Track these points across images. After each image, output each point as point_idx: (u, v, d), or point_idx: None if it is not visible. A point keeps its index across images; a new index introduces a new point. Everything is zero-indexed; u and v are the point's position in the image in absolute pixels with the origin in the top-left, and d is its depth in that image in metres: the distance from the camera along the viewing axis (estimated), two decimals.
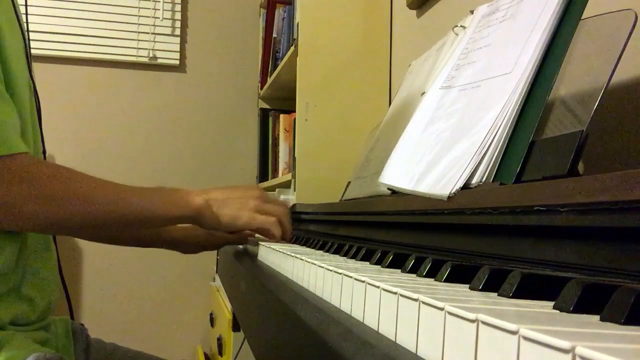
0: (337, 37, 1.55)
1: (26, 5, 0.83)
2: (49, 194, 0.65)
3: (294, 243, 0.87)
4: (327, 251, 0.69)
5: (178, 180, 2.38)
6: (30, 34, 0.83)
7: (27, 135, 0.72)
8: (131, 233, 0.79)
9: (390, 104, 1.45)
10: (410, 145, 0.76)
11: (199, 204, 0.77)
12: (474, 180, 0.57)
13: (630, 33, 0.51)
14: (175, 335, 2.35)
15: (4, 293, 0.69)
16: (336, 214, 0.97)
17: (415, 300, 0.29)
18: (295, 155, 1.53)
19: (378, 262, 0.52)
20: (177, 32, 2.41)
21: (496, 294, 0.33)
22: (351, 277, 0.39)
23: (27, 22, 0.81)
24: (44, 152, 0.81)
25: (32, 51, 0.84)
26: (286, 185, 1.74)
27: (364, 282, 0.36)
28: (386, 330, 0.32)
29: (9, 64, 0.68)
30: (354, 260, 0.57)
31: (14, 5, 0.75)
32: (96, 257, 2.28)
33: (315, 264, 0.48)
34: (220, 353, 1.82)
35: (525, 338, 0.21)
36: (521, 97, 0.58)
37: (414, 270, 0.45)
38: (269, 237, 0.83)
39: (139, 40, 2.35)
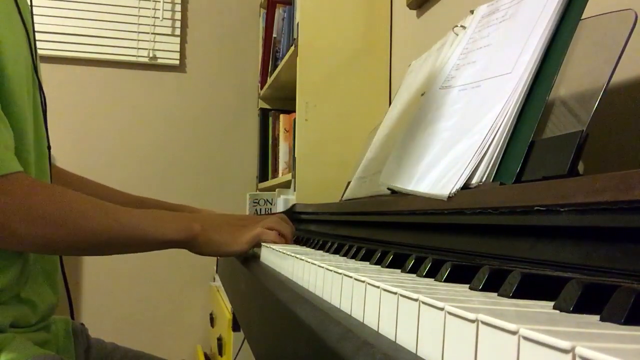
0: (337, 37, 1.55)
1: (31, 6, 0.83)
2: (43, 215, 0.65)
3: (294, 243, 0.87)
4: (327, 251, 0.69)
5: (178, 180, 2.38)
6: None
7: (25, 145, 0.71)
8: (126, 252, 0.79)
9: (390, 104, 1.45)
10: (410, 145, 0.76)
11: (194, 229, 0.77)
12: (474, 180, 0.57)
13: (630, 33, 0.51)
14: (175, 335, 2.35)
15: (5, 299, 0.69)
16: (336, 214, 0.97)
17: (415, 300, 0.29)
18: (295, 155, 1.53)
19: (378, 262, 0.52)
20: (177, 32, 2.41)
21: (496, 294, 0.33)
22: (351, 277, 0.39)
23: (33, 23, 0.81)
24: (49, 149, 0.81)
25: None
26: (286, 185, 1.74)
27: (364, 282, 0.36)
28: (386, 330, 0.32)
29: (8, 69, 0.68)
30: (354, 260, 0.57)
31: (17, 5, 0.74)
32: (96, 257, 2.28)
33: (315, 264, 0.48)
34: (220, 353, 1.82)
35: (525, 338, 0.21)
36: (521, 97, 0.58)
37: (414, 270, 0.45)
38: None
39: (139, 40, 2.35)
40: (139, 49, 2.35)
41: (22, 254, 0.71)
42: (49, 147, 0.81)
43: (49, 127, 0.82)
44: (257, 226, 0.82)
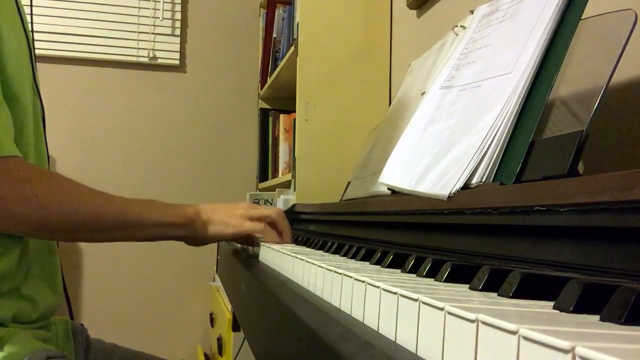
0: (337, 37, 1.55)
1: (31, 6, 0.83)
2: (37, 196, 0.66)
3: (294, 243, 0.87)
4: (327, 251, 0.69)
5: (178, 180, 2.38)
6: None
7: (25, 139, 0.72)
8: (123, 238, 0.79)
9: (390, 104, 1.45)
10: (410, 145, 0.76)
11: (190, 212, 0.78)
12: (474, 180, 0.57)
13: (630, 33, 0.51)
14: (175, 335, 2.35)
15: (5, 292, 0.69)
16: (336, 214, 0.97)
17: (415, 300, 0.29)
18: (295, 155, 1.53)
19: (378, 262, 0.52)
20: (177, 32, 2.41)
21: (496, 294, 0.33)
22: (351, 277, 0.39)
23: (32, 24, 0.81)
24: (48, 156, 0.81)
25: None
26: (286, 185, 1.74)
27: (364, 282, 0.36)
28: (386, 330, 0.32)
29: (9, 68, 0.68)
30: (354, 260, 0.57)
31: (18, 8, 0.75)
32: (96, 257, 2.28)
33: (315, 264, 0.48)
34: (220, 353, 1.82)
35: (525, 338, 0.21)
36: (521, 97, 0.58)
37: (414, 270, 0.45)
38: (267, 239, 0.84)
39: (139, 40, 2.35)
40: (139, 49, 2.35)
41: (20, 242, 0.71)
42: (47, 156, 0.81)
43: (48, 128, 0.82)
44: (258, 213, 0.82)
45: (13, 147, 0.66)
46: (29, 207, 0.65)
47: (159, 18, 2.37)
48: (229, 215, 0.81)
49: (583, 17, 0.58)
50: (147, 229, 0.75)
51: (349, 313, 0.39)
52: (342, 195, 1.15)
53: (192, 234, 0.79)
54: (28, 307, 0.72)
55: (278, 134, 2.05)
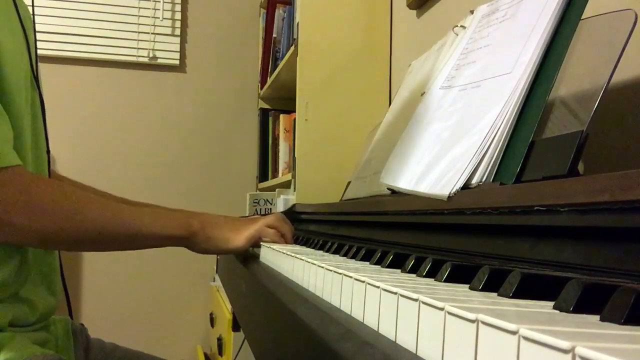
0: (337, 37, 1.55)
1: (33, 6, 0.83)
2: (41, 208, 0.65)
3: (294, 243, 0.87)
4: (327, 251, 0.69)
5: (178, 180, 2.38)
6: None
7: (24, 144, 0.71)
8: (125, 248, 0.79)
9: (390, 104, 1.45)
10: (410, 145, 0.76)
11: (193, 225, 0.78)
12: (474, 180, 0.57)
13: (630, 33, 0.51)
14: (175, 335, 2.35)
15: (4, 297, 0.69)
16: (336, 214, 0.97)
17: (415, 300, 0.29)
18: (295, 155, 1.53)
19: (378, 262, 0.52)
20: (177, 32, 2.40)
21: (496, 294, 0.33)
22: (351, 277, 0.39)
23: (34, 23, 0.81)
24: (48, 153, 0.81)
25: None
26: (286, 185, 1.74)
27: (364, 282, 0.36)
28: (386, 330, 0.32)
29: (6, 69, 0.68)
30: (354, 260, 0.57)
31: (16, 7, 0.75)
32: (96, 257, 2.28)
33: (315, 264, 0.48)
34: (220, 353, 1.82)
35: (525, 338, 0.21)
36: (521, 97, 0.58)
37: (414, 270, 0.45)
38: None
39: (139, 40, 2.35)
40: (139, 49, 2.35)
41: (20, 250, 0.71)
42: (48, 152, 0.81)
43: (48, 127, 0.82)
44: (257, 223, 0.83)
45: (14, 157, 0.65)
46: (32, 218, 0.64)
47: (159, 18, 2.37)
48: (230, 231, 0.81)
49: (583, 17, 0.58)
50: (148, 241, 0.76)
51: (349, 313, 0.39)
52: (342, 195, 1.15)
53: (192, 245, 0.79)
54: (27, 310, 0.72)
55: (278, 134, 2.05)
